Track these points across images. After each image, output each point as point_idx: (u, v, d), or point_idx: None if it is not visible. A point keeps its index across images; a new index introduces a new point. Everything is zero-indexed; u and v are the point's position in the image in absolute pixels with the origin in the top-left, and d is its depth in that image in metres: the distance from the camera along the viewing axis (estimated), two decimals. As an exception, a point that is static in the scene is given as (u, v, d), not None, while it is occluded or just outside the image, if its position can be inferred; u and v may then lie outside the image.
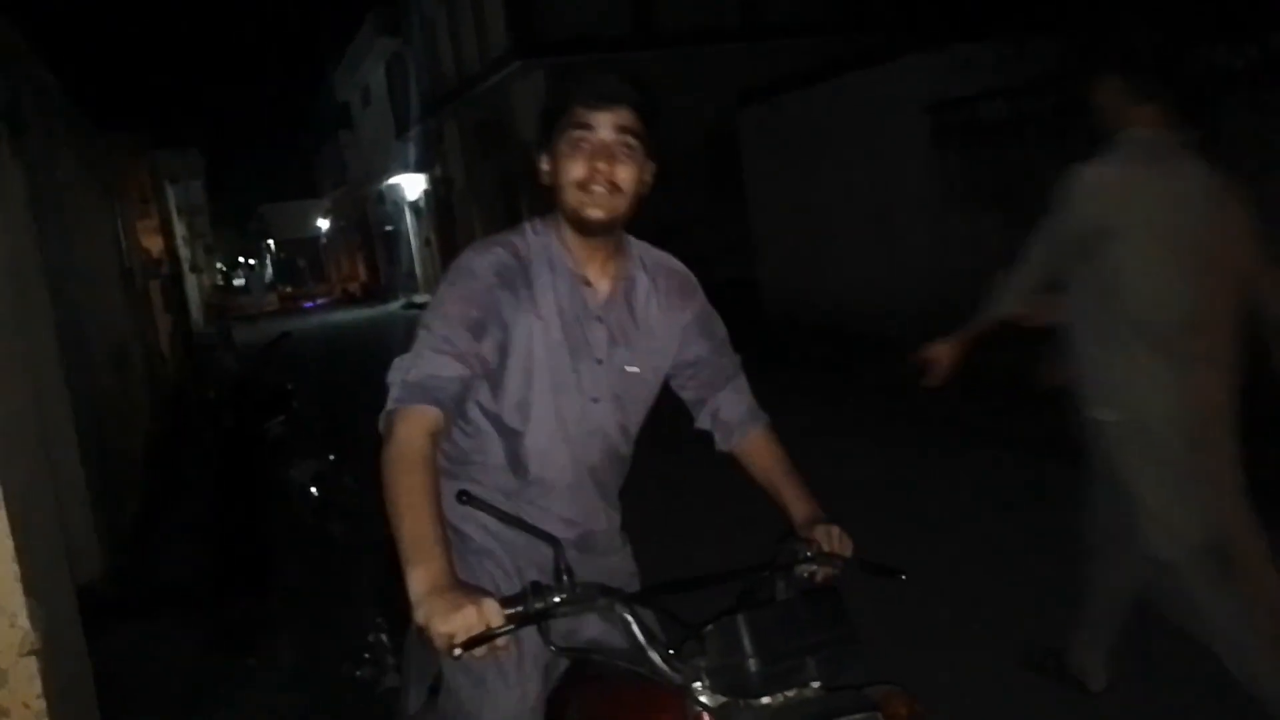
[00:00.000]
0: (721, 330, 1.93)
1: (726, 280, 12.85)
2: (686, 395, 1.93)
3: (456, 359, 1.58)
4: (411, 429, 1.51)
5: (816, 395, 7.87)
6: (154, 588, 4.98)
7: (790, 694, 1.32)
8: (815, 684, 1.33)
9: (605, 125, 1.64)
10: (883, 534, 4.44)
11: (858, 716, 1.28)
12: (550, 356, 1.71)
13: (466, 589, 1.33)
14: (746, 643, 1.29)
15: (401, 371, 1.57)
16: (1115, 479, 2.64)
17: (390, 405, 1.55)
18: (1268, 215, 6.17)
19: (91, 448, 5.06)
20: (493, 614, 1.29)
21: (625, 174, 1.66)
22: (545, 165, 1.71)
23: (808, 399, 7.79)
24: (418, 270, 26.76)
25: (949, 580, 3.98)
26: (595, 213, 1.67)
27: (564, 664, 1.71)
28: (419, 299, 23.54)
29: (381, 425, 1.55)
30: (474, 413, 1.75)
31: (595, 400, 1.75)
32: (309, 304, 35.79)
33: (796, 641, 1.31)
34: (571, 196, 1.67)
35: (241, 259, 59.46)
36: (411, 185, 25.00)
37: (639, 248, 1.85)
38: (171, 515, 6.31)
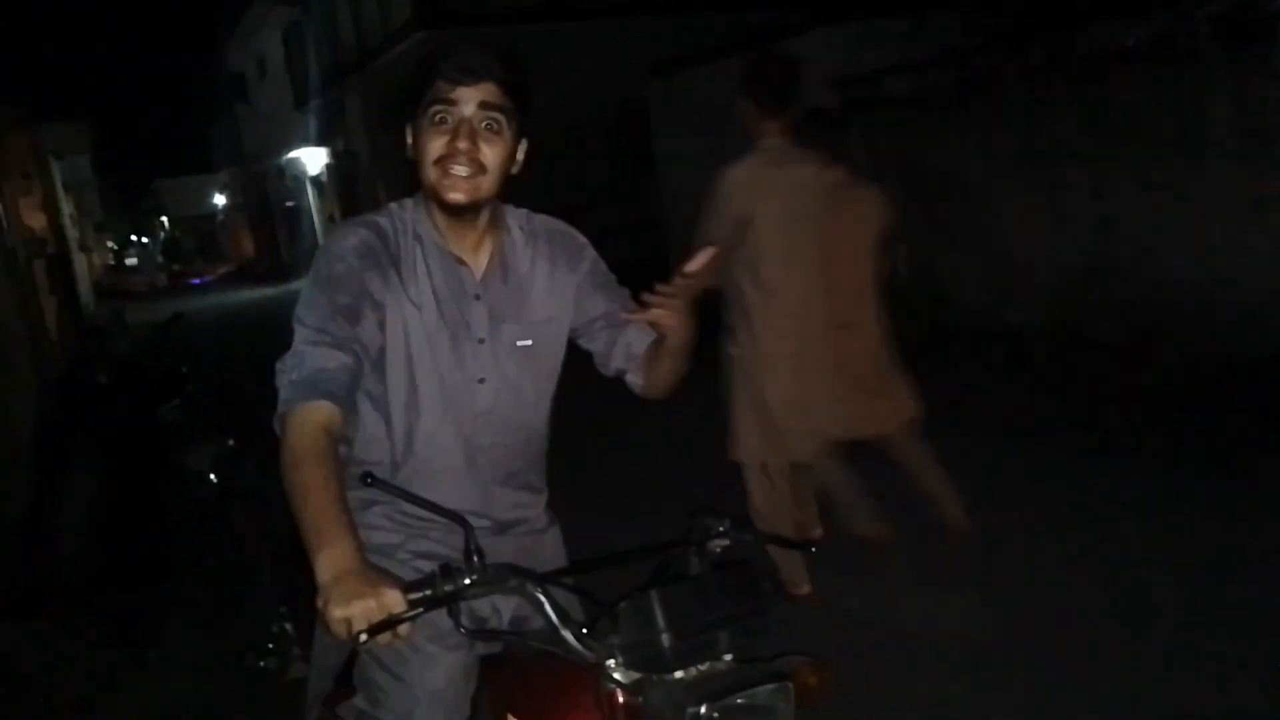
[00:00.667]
0: (613, 280, 1.88)
1: (640, 257, 12.92)
2: (595, 347, 1.88)
3: (337, 348, 1.53)
4: (305, 427, 1.46)
5: (704, 362, 7.90)
6: (45, 580, 4.76)
7: (703, 667, 1.33)
8: (727, 657, 1.34)
9: (468, 101, 1.58)
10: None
11: (769, 687, 1.29)
12: (428, 339, 1.66)
13: (371, 574, 1.29)
14: (659, 618, 1.29)
15: (286, 372, 1.52)
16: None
17: (281, 408, 1.50)
18: (1161, 186, 6.34)
19: (-30, 436, 4.80)
20: (393, 600, 1.26)
21: (490, 151, 1.61)
22: (409, 140, 1.65)
23: (708, 371, 7.83)
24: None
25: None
26: (455, 195, 1.61)
27: (482, 649, 1.68)
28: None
29: (277, 428, 1.50)
30: (364, 408, 1.69)
31: (481, 381, 1.71)
32: (197, 280, 35.36)
33: (709, 615, 1.32)
34: (432, 175, 1.62)
35: (134, 237, 57.19)
36: (313, 159, 24.31)
37: (517, 217, 1.80)
38: (62, 505, 6.04)
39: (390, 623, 1.25)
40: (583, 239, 1.86)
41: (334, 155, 23.22)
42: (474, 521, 1.68)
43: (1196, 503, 4.12)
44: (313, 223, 26.62)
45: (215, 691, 3.42)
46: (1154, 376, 5.52)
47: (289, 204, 28.81)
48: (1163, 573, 3.55)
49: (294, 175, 26.89)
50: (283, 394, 1.51)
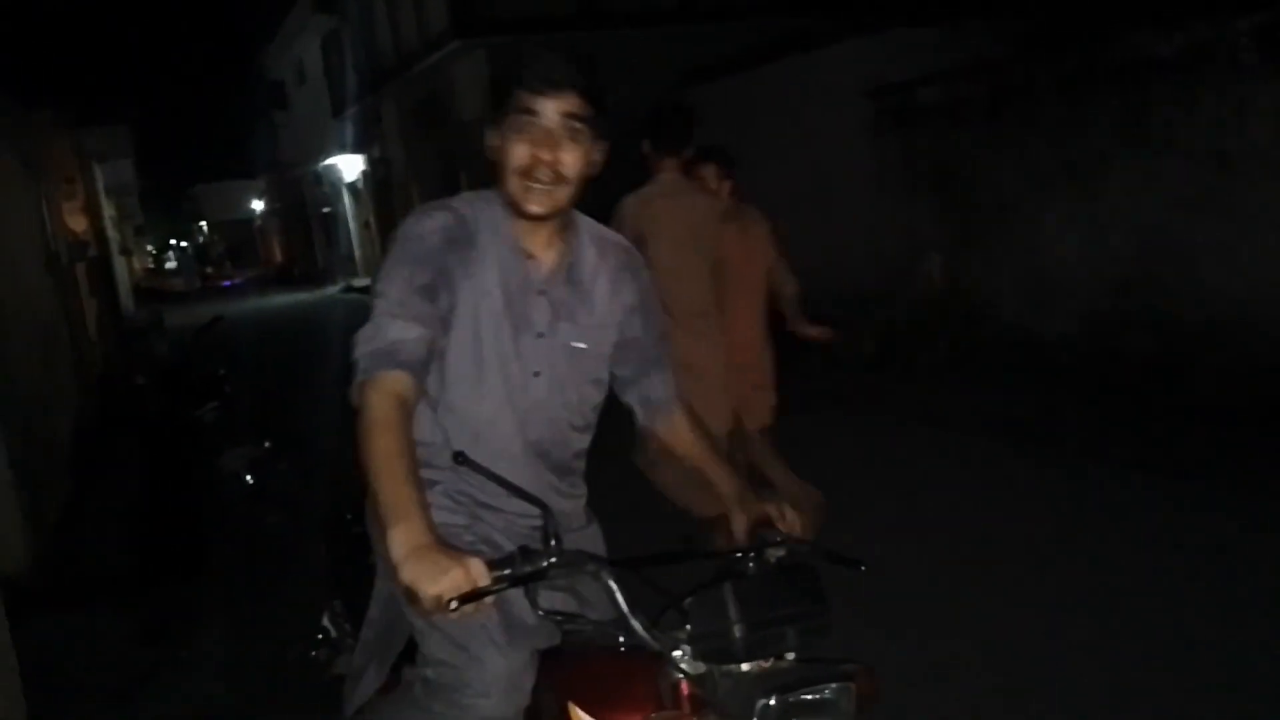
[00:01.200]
0: (659, 315, 1.93)
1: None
2: (619, 371, 1.92)
3: (415, 321, 1.59)
4: (381, 396, 1.52)
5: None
6: (83, 578, 4.84)
7: (768, 663, 1.36)
8: (791, 655, 1.38)
9: (550, 111, 1.62)
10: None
11: (834, 686, 1.32)
12: (492, 325, 1.71)
13: (450, 549, 1.33)
14: (731, 609, 1.34)
15: (365, 343, 1.58)
16: None
17: (359, 376, 1.56)
18: (1199, 199, 6.29)
19: (15, 435, 4.90)
20: (480, 573, 1.30)
21: (569, 160, 1.64)
22: (493, 141, 1.69)
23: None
24: (356, 253, 26.31)
25: (881, 561, 4.03)
26: (535, 207, 1.66)
27: (544, 640, 1.70)
28: (358, 282, 23.17)
29: (353, 398, 1.55)
30: (439, 395, 1.75)
31: (536, 374, 1.75)
32: (227, 283, 37.12)
33: (777, 611, 1.36)
34: (514, 184, 1.66)
35: (173, 241, 57.99)
36: (349, 166, 24.54)
37: (587, 224, 1.84)
38: (101, 504, 6.14)
39: (478, 594, 1.28)
40: (642, 260, 1.91)
41: (370, 162, 23.44)
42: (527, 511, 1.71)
43: (1233, 516, 4.07)
44: (348, 228, 26.86)
45: (248, 688, 3.47)
46: (1191, 390, 5.46)
47: (325, 210, 29.09)
48: (1196, 583, 3.51)
49: (330, 181, 27.16)
50: (361, 362, 1.56)
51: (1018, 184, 7.52)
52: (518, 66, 1.64)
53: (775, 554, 1.57)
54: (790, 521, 1.66)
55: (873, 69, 8.72)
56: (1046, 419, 5.68)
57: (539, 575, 1.37)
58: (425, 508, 1.39)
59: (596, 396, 1.87)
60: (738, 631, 1.33)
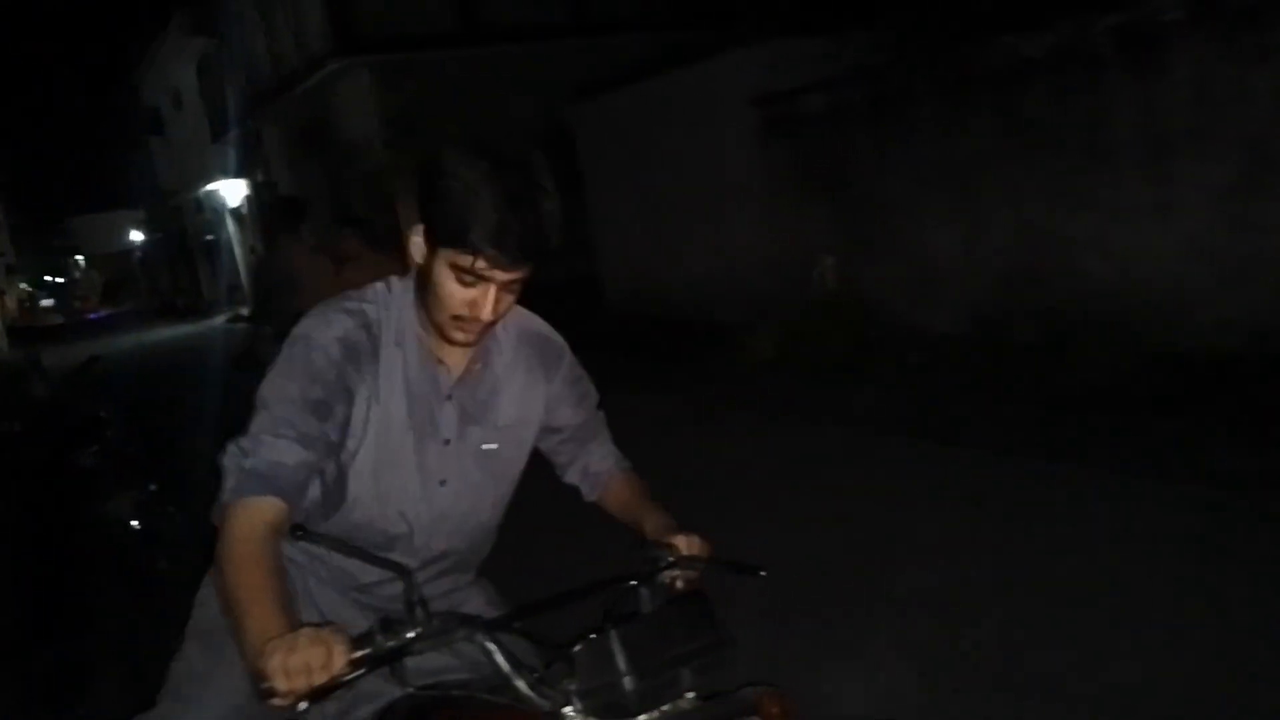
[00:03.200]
0: (590, 389, 1.84)
1: (569, 276, 12.89)
2: (556, 458, 1.86)
3: (300, 443, 1.45)
4: (251, 522, 1.38)
5: (656, 384, 7.95)
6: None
7: (666, 708, 1.29)
8: (690, 694, 1.31)
9: (501, 279, 1.48)
10: (739, 520, 4.52)
11: None
12: (396, 437, 1.59)
13: (307, 631, 1.22)
14: (620, 660, 1.25)
15: (238, 457, 1.43)
16: None
17: (227, 496, 1.41)
18: (1072, 193, 6.54)
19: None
20: (337, 657, 1.20)
21: (506, 307, 1.55)
22: (419, 241, 1.53)
23: (647, 388, 7.86)
24: (243, 280, 25.56)
25: (808, 564, 4.06)
26: (464, 339, 1.56)
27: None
28: (245, 312, 22.49)
29: (215, 518, 1.42)
30: (312, 491, 1.62)
31: (443, 483, 1.64)
32: (93, 315, 37.36)
33: (670, 653, 1.28)
34: (441, 320, 1.53)
35: (47, 278, 55.41)
36: (232, 191, 23.84)
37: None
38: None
39: (332, 686, 1.18)
40: (560, 342, 1.80)
41: (253, 186, 22.83)
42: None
43: (1125, 497, 4.23)
44: (233, 256, 26.08)
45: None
46: (1072, 377, 5.66)
47: (208, 238, 28.20)
48: (1085, 564, 3.63)
49: (212, 208, 26.36)
50: (231, 481, 1.42)
51: (902, 186, 7.73)
52: (473, 206, 1.41)
53: (668, 576, 1.50)
54: (690, 543, 1.58)
55: (757, 79, 8.86)
56: (939, 412, 5.83)
57: (401, 652, 1.26)
58: (285, 617, 1.29)
59: (510, 492, 1.77)
60: (628, 684, 1.25)
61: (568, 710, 1.27)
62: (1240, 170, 5.58)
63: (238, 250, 25.78)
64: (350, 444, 1.57)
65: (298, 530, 1.37)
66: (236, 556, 1.35)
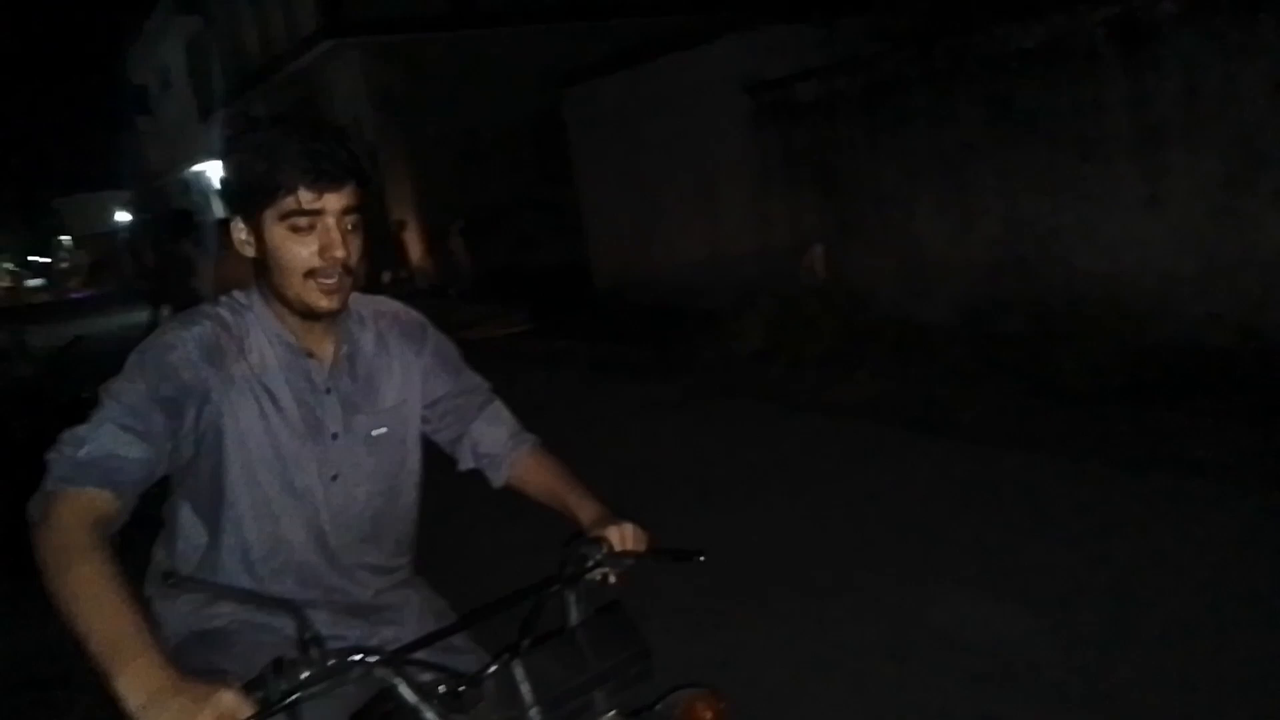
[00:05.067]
0: (460, 361, 1.77)
1: (559, 263, 12.89)
2: (441, 438, 1.76)
3: (143, 439, 1.36)
4: (75, 514, 1.27)
5: (645, 371, 7.94)
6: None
7: None
8: (610, 714, 1.26)
9: (333, 208, 1.44)
10: (724, 507, 4.52)
11: None
12: (273, 439, 1.52)
13: (195, 682, 1.12)
14: (524, 692, 1.19)
15: (72, 445, 1.33)
16: None
17: (49, 485, 1.30)
18: (1063, 184, 6.54)
19: None
20: (234, 705, 1.09)
21: (354, 252, 1.48)
22: (243, 235, 1.50)
23: (636, 375, 7.85)
24: (232, 262, 25.45)
25: (791, 552, 4.06)
26: (328, 303, 1.49)
27: None
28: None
29: (33, 511, 1.29)
30: (184, 514, 1.56)
31: (334, 478, 1.58)
32: (76, 295, 37.51)
33: (582, 675, 1.23)
34: (299, 286, 1.48)
35: (32, 258, 55.00)
36: (219, 172, 23.67)
37: (354, 301, 1.64)
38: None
39: None
40: (420, 316, 1.75)
41: (242, 168, 22.66)
42: (339, 599, 1.58)
43: (1110, 488, 4.24)
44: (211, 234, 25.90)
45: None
46: (1059, 368, 5.67)
47: (196, 218, 28.00)
48: (1071, 554, 3.64)
49: (200, 189, 26.17)
50: (56, 470, 1.32)
51: (893, 175, 7.72)
52: (276, 151, 1.42)
53: (597, 573, 1.42)
54: (624, 535, 1.50)
55: (751, 65, 8.83)
56: (927, 402, 5.83)
57: (295, 698, 1.13)
58: (155, 639, 1.17)
59: (413, 474, 1.71)
60: (535, 715, 1.19)
61: None
62: (1229, 164, 5.59)
63: (225, 232, 25.60)
64: (226, 448, 1.49)
65: (170, 578, 1.28)
66: (61, 549, 1.24)
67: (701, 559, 1.38)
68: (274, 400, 1.52)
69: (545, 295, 11.74)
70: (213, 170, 23.85)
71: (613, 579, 1.46)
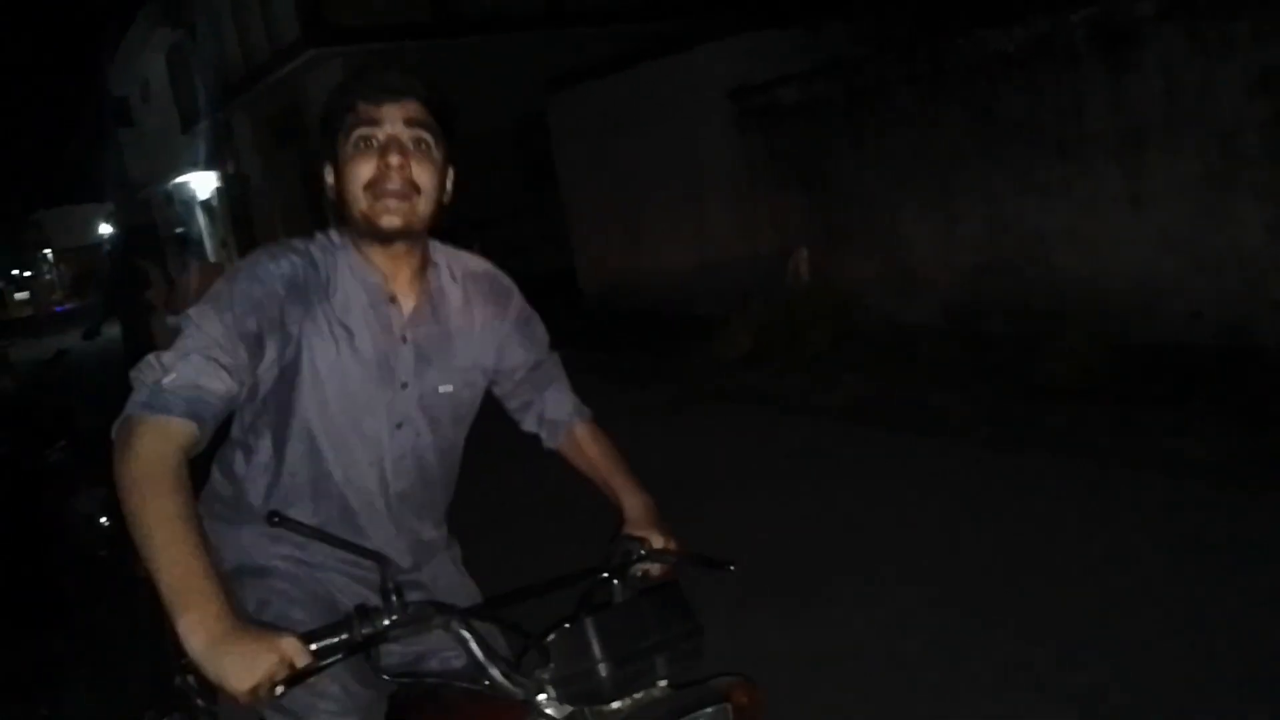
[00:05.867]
0: (541, 331, 1.83)
1: (545, 270, 12.86)
2: (510, 402, 1.83)
3: (229, 372, 1.39)
4: (163, 443, 1.29)
5: (633, 376, 7.94)
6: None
7: (639, 696, 1.29)
8: (663, 683, 1.31)
9: (393, 119, 1.49)
10: (715, 512, 4.52)
11: (708, 711, 1.27)
12: (349, 379, 1.56)
13: (256, 629, 1.19)
14: (595, 648, 1.25)
15: (157, 371, 1.35)
16: None
17: (135, 410, 1.33)
18: (1046, 185, 6.56)
19: None
20: (296, 651, 1.17)
21: (422, 172, 1.51)
22: (329, 178, 1.55)
23: (624, 381, 7.84)
24: (216, 273, 25.33)
25: (784, 555, 4.06)
26: (391, 220, 1.50)
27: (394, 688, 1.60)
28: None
29: (117, 432, 1.32)
30: (254, 440, 1.59)
31: (400, 426, 1.62)
32: (59, 309, 38.07)
33: (644, 641, 1.28)
34: (363, 203, 1.50)
35: (15, 271, 54.64)
36: (202, 183, 23.56)
37: (446, 255, 1.70)
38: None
39: (303, 674, 1.16)
40: (509, 282, 1.78)
41: (224, 178, 22.60)
42: (394, 556, 1.61)
43: (1095, 488, 4.26)
44: (204, 248, 25.81)
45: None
46: (1044, 368, 5.69)
47: (179, 230, 27.87)
48: (1058, 552, 3.65)
49: (183, 200, 26.06)
50: (141, 395, 1.34)
51: (877, 179, 7.74)
52: (351, 80, 1.54)
53: (640, 569, 1.51)
54: (666, 538, 1.59)
55: (735, 71, 8.85)
56: (914, 404, 5.85)
57: (375, 640, 1.25)
58: (219, 583, 1.21)
59: (465, 433, 1.76)
60: (604, 670, 1.24)
61: (542, 698, 1.28)
62: (1210, 163, 5.63)
63: (209, 243, 25.50)
64: (302, 382, 1.53)
65: (274, 516, 1.31)
66: (147, 478, 1.26)
67: (732, 569, 1.46)
68: (351, 341, 1.55)
69: (532, 302, 11.71)
70: (196, 181, 23.75)
71: (654, 574, 1.55)
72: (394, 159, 1.48)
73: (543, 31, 14.92)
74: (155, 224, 11.09)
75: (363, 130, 1.49)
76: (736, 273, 8.97)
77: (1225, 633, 2.99)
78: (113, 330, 7.21)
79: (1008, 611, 3.34)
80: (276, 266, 1.51)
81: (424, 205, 1.53)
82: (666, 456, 5.66)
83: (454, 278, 1.69)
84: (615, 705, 1.27)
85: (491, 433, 1.92)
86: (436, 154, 1.53)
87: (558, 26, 15.01)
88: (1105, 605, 3.28)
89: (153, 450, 1.29)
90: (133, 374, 1.37)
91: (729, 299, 8.41)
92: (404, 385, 1.60)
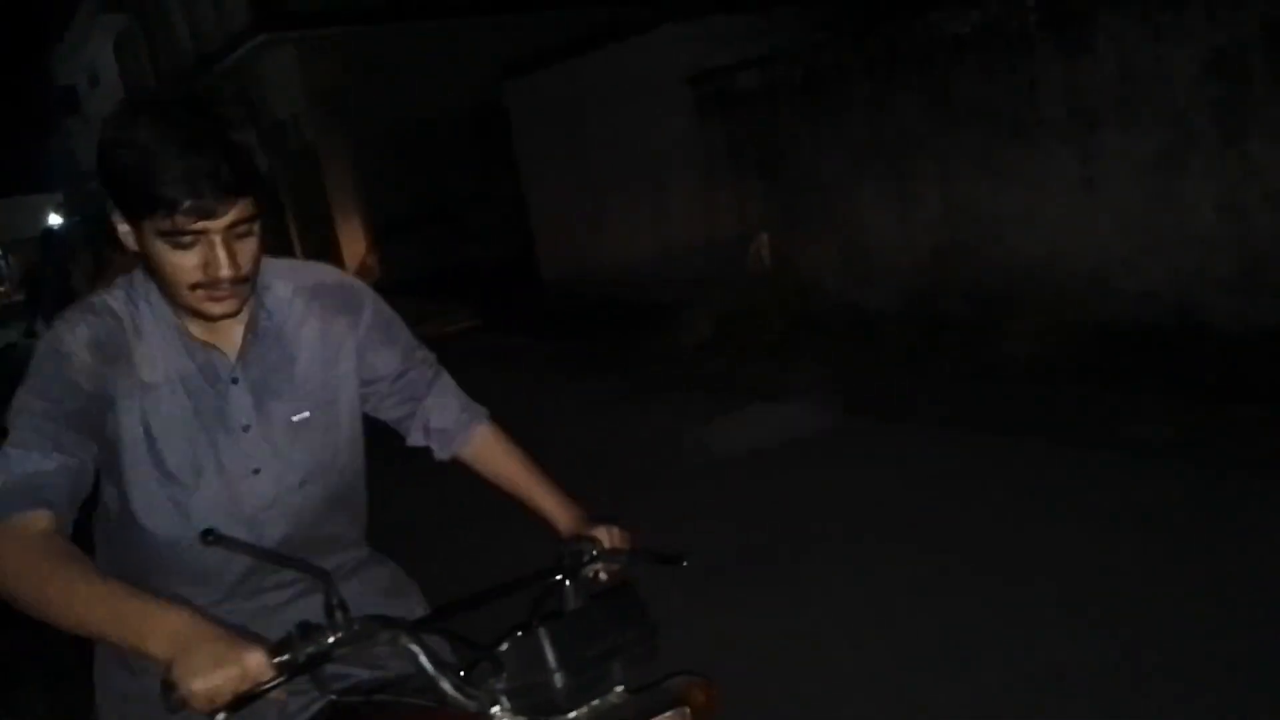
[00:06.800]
0: (405, 334, 1.67)
1: (505, 258, 12.78)
2: (389, 415, 1.68)
3: (59, 451, 1.32)
4: (27, 539, 1.25)
5: (594, 365, 7.91)
6: None
7: (596, 703, 1.27)
8: (619, 688, 1.29)
9: (217, 226, 1.31)
10: (676, 503, 4.51)
11: (666, 715, 1.25)
12: (184, 435, 1.44)
13: (229, 636, 1.16)
14: (550, 657, 1.22)
15: None
16: None
17: None
18: (1001, 168, 6.59)
19: None
20: (258, 665, 1.14)
21: (248, 257, 1.36)
22: (124, 228, 1.37)
23: (585, 370, 7.82)
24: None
25: (745, 546, 4.07)
26: (221, 309, 1.38)
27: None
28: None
29: None
30: (127, 529, 1.47)
31: (256, 471, 1.48)
32: (7, 302, 36.23)
33: (599, 647, 1.27)
34: (185, 297, 1.37)
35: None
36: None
37: (276, 272, 1.53)
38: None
39: (255, 694, 1.13)
40: (361, 286, 1.64)
41: (177, 167, 22.17)
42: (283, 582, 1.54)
43: (1055, 466, 4.31)
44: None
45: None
46: (1002, 350, 5.76)
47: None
48: (1016, 533, 3.69)
49: (135, 190, 25.52)
50: None
51: (835, 163, 7.76)
52: (150, 164, 1.27)
53: (592, 569, 1.49)
54: (612, 535, 1.55)
55: (691, 55, 8.81)
56: (875, 388, 5.89)
57: (323, 658, 1.21)
58: (170, 601, 1.19)
59: (353, 458, 1.61)
60: (559, 680, 1.23)
61: (495, 710, 1.25)
62: (1163, 145, 5.70)
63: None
64: (129, 450, 1.42)
65: (209, 535, 1.25)
66: (30, 572, 1.22)
67: (685, 564, 1.42)
68: (166, 399, 1.43)
69: (491, 290, 11.64)
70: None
71: (604, 575, 1.51)
72: (223, 271, 1.33)
73: (501, 16, 14.78)
74: (81, 218, 11.03)
75: (177, 237, 1.31)
76: (697, 259, 8.96)
77: (1186, 608, 3.04)
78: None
79: (972, 593, 3.37)
80: (75, 336, 1.39)
81: (251, 285, 1.42)
82: (627, 444, 5.66)
83: (290, 296, 1.55)
84: (571, 715, 1.25)
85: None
86: (256, 228, 1.37)
87: (515, 11, 14.87)
88: (1066, 583, 3.32)
89: (18, 547, 1.25)
90: None
91: (690, 286, 8.41)
92: (245, 429, 1.48)
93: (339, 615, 1.22)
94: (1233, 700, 2.58)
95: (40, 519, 1.27)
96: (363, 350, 1.59)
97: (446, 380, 1.71)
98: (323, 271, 1.62)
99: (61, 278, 6.32)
